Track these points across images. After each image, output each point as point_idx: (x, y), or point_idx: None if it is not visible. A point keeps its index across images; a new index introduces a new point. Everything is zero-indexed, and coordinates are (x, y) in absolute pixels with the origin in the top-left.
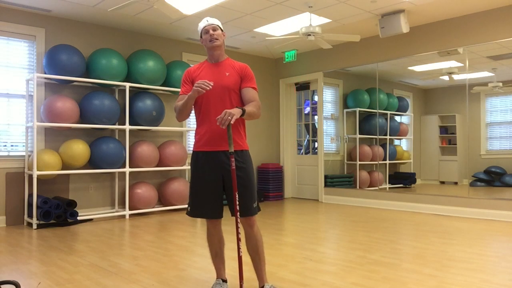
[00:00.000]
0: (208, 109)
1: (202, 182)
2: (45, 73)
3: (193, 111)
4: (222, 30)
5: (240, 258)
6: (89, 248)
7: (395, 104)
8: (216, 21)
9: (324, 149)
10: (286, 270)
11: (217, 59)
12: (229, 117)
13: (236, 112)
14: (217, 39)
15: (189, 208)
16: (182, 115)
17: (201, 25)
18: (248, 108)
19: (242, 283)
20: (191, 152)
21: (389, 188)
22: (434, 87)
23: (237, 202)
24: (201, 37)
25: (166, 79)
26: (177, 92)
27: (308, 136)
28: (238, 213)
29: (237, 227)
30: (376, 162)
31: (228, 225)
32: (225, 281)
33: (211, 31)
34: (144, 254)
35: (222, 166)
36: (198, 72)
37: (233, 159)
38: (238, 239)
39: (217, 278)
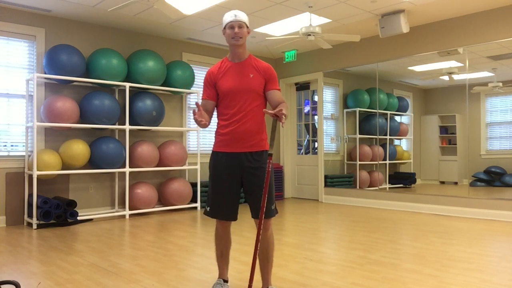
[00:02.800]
0: (232, 111)
1: (221, 183)
2: (45, 73)
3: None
4: (247, 27)
5: (254, 259)
6: (89, 248)
7: (395, 104)
8: (243, 17)
9: (324, 149)
10: (286, 270)
11: (239, 58)
12: (284, 114)
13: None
14: (240, 37)
15: (207, 208)
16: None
17: (227, 18)
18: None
19: (251, 284)
20: (191, 152)
21: (389, 188)
22: (434, 87)
23: (264, 204)
24: (224, 29)
25: (166, 79)
26: (177, 92)
27: (308, 136)
28: (256, 215)
29: (259, 229)
30: (376, 162)
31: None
32: (226, 281)
33: (236, 28)
34: (144, 254)
35: (242, 168)
36: (222, 74)
37: (270, 160)
38: (258, 241)
39: (218, 278)
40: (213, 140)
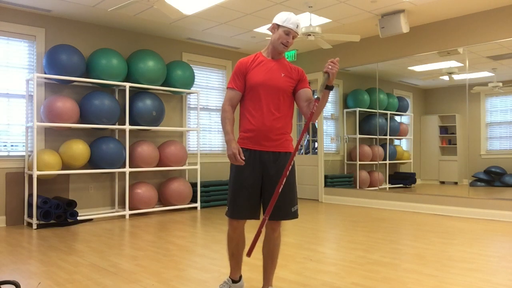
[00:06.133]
0: (258, 107)
1: (243, 181)
2: (45, 73)
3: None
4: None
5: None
6: (89, 248)
7: (395, 104)
8: (301, 30)
9: (324, 149)
10: (286, 270)
11: (275, 57)
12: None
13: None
14: (287, 47)
15: (229, 209)
16: None
17: (288, 23)
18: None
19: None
20: (191, 152)
21: (389, 188)
22: (434, 87)
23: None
24: (277, 26)
25: (166, 79)
26: (177, 92)
27: (308, 136)
28: (273, 216)
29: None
30: (376, 162)
31: None
32: (236, 281)
33: (291, 39)
34: (144, 254)
35: (264, 167)
36: (253, 67)
37: (315, 107)
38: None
39: (228, 277)
40: (213, 141)
